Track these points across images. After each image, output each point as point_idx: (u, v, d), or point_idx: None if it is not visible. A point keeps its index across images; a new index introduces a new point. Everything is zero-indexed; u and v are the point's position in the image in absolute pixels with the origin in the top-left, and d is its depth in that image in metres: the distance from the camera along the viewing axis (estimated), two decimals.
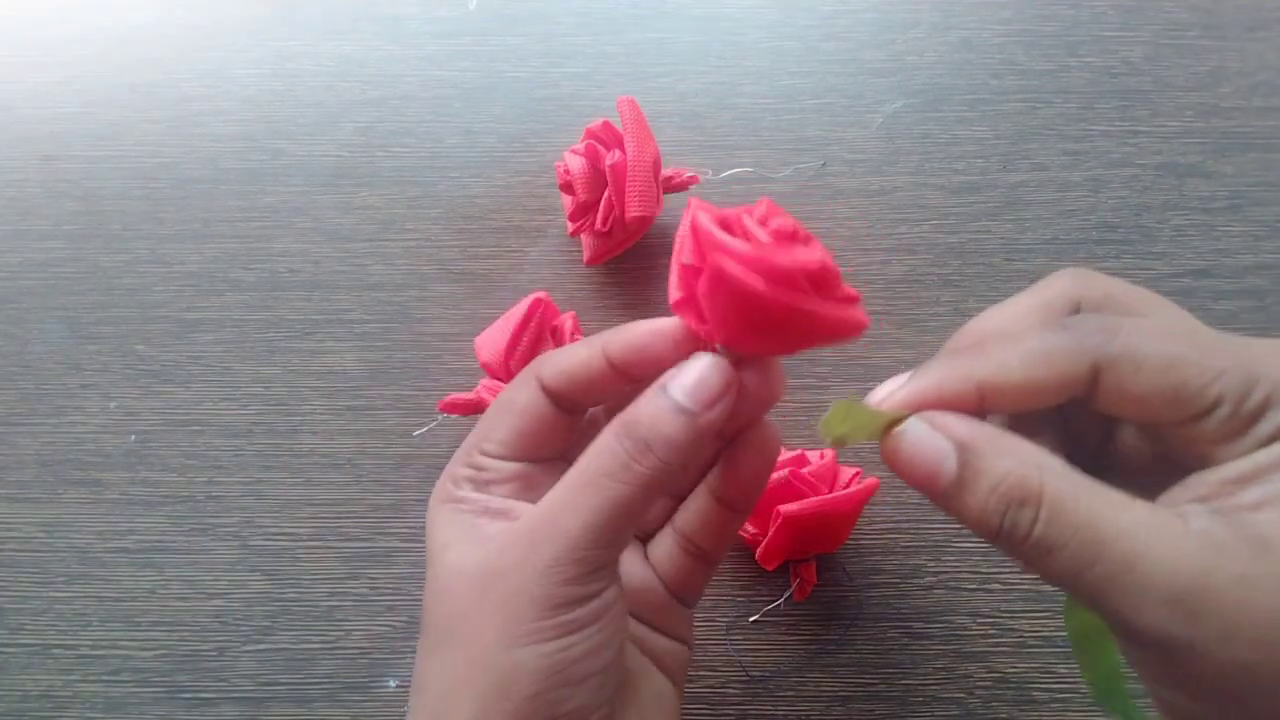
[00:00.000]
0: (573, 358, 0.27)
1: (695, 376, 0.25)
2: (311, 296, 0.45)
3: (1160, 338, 0.22)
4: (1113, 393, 0.22)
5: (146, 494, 0.42)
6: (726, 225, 0.23)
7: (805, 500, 0.36)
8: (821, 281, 0.23)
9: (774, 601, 0.40)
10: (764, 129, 0.46)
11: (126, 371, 0.44)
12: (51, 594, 0.41)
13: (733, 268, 0.22)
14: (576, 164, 0.41)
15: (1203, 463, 0.22)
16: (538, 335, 0.40)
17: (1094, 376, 0.23)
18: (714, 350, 0.25)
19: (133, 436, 0.43)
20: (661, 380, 0.25)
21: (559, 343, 0.40)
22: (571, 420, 0.28)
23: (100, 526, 0.42)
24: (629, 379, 0.26)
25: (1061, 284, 0.26)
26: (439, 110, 0.47)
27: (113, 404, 0.43)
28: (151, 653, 0.40)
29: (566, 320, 0.41)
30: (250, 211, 0.46)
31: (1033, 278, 0.44)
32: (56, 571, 0.41)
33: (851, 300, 0.23)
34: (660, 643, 0.30)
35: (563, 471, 0.26)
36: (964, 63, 0.47)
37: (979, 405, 0.23)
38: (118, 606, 0.41)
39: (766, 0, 0.49)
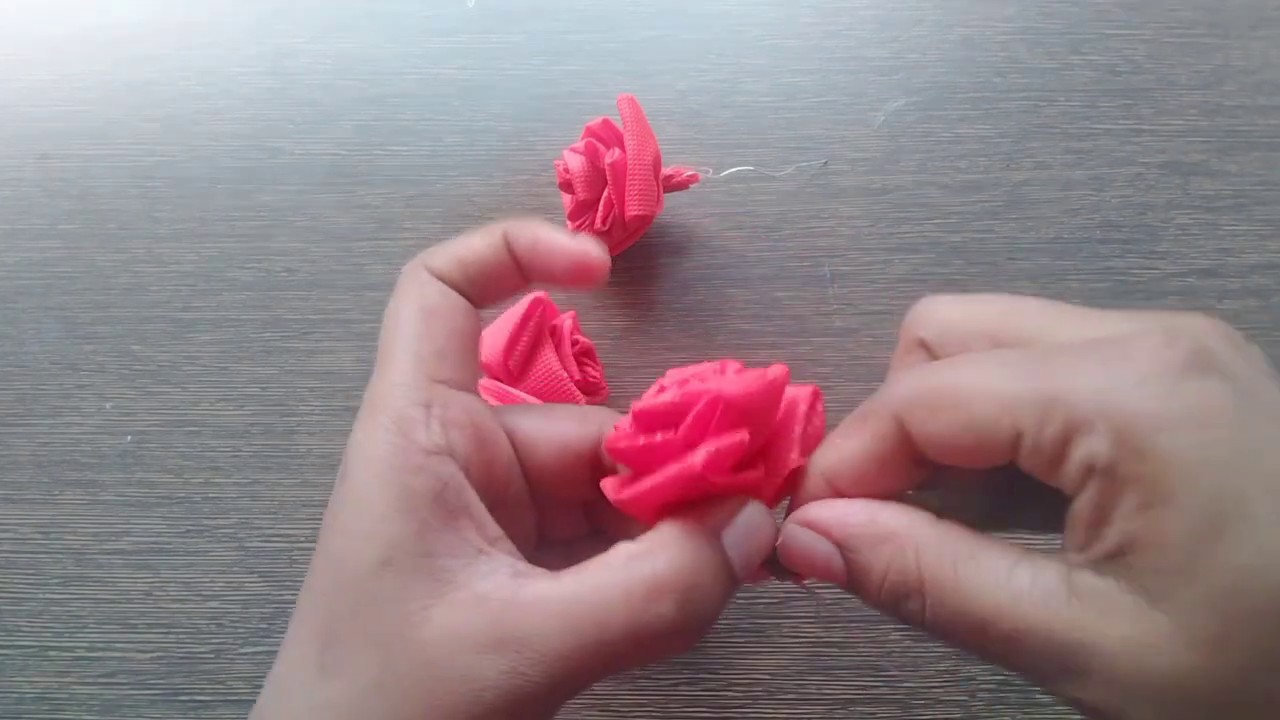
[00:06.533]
0: (473, 250, 0.24)
1: (755, 539, 0.22)
2: (309, 296, 0.44)
3: (957, 371, 0.21)
4: (925, 441, 0.21)
5: (143, 495, 0.42)
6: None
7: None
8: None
9: (774, 602, 0.39)
10: (765, 127, 0.46)
11: (123, 372, 0.43)
12: (47, 596, 0.41)
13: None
14: (576, 162, 0.41)
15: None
16: (537, 335, 0.39)
17: (903, 430, 0.21)
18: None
19: (129, 437, 0.43)
20: (712, 525, 0.22)
21: (558, 343, 0.40)
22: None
23: (96, 528, 0.41)
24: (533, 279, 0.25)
25: (909, 326, 0.24)
26: (438, 108, 0.47)
27: (109, 404, 0.43)
28: (148, 655, 0.40)
29: (566, 320, 0.41)
30: (247, 210, 0.46)
31: (1035, 277, 0.44)
32: (52, 573, 0.41)
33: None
34: None
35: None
36: (967, 60, 0.47)
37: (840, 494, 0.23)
38: (114, 608, 0.41)
39: None
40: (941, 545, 0.21)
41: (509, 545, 0.23)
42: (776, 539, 0.23)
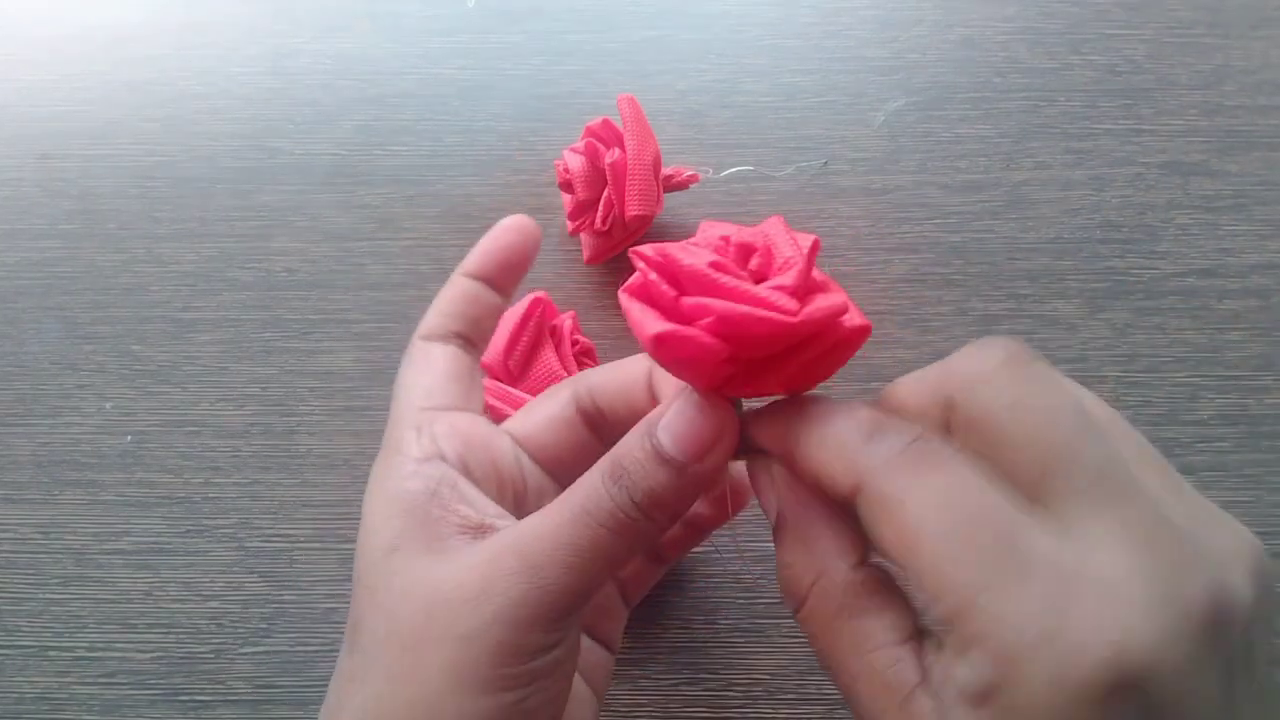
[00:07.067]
0: (445, 299, 0.28)
1: (683, 420, 0.23)
2: (309, 296, 0.44)
3: (932, 512, 0.20)
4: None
5: (143, 495, 0.42)
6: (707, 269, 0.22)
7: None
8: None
9: (774, 602, 0.39)
10: (765, 127, 0.46)
11: (123, 372, 0.43)
12: (47, 596, 0.41)
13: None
14: (576, 162, 0.41)
15: None
16: (537, 335, 0.39)
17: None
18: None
19: (129, 437, 0.43)
20: (650, 418, 0.23)
21: (558, 342, 0.40)
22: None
23: (96, 528, 0.41)
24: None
25: (961, 367, 0.21)
26: (438, 108, 0.47)
27: (109, 404, 0.43)
28: (148, 655, 0.40)
29: (566, 320, 0.41)
30: (247, 210, 0.46)
31: (1035, 277, 0.44)
32: (52, 573, 0.41)
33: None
34: (589, 648, 0.29)
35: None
36: (967, 60, 0.47)
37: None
38: (114, 608, 0.41)
39: None
40: (842, 586, 0.22)
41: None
42: (715, 432, 0.23)
